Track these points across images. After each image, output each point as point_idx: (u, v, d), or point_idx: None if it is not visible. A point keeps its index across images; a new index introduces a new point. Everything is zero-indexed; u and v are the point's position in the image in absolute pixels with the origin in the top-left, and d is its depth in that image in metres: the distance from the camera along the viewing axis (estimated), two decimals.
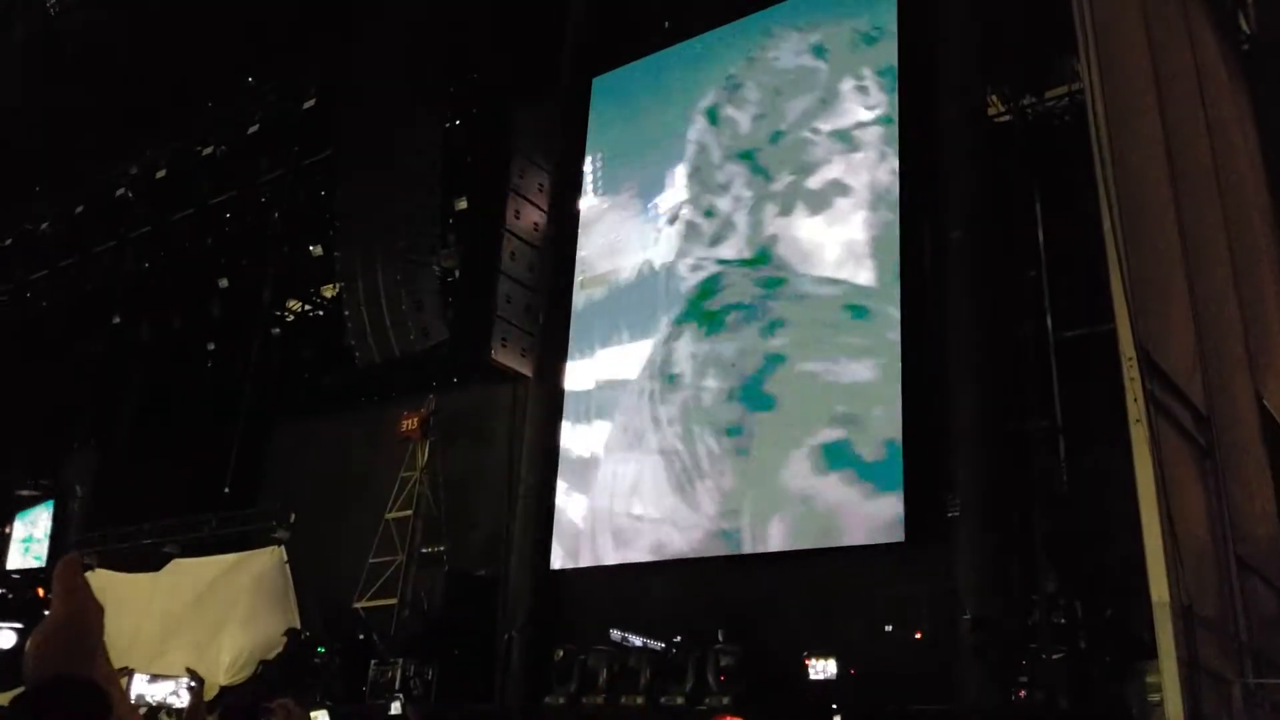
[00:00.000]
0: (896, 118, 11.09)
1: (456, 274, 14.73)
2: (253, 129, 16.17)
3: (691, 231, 11.81)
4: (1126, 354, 7.90)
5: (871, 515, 9.72)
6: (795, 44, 11.43)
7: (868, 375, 9.88)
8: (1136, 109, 8.88)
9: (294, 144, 15.73)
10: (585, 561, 11.66)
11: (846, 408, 9.92)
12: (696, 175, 11.96)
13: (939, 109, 10.89)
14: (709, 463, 10.43)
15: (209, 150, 16.68)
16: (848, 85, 11.04)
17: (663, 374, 11.02)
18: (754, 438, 10.26)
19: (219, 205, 16.79)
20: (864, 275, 10.29)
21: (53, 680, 1.32)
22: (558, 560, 12.22)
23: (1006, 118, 11.38)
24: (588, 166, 14.10)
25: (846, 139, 10.85)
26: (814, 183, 10.88)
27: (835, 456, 9.88)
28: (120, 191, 17.60)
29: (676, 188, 12.24)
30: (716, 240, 11.47)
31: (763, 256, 11.04)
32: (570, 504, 12.07)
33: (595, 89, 14.42)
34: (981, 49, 10.92)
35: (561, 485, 12.20)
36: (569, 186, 14.14)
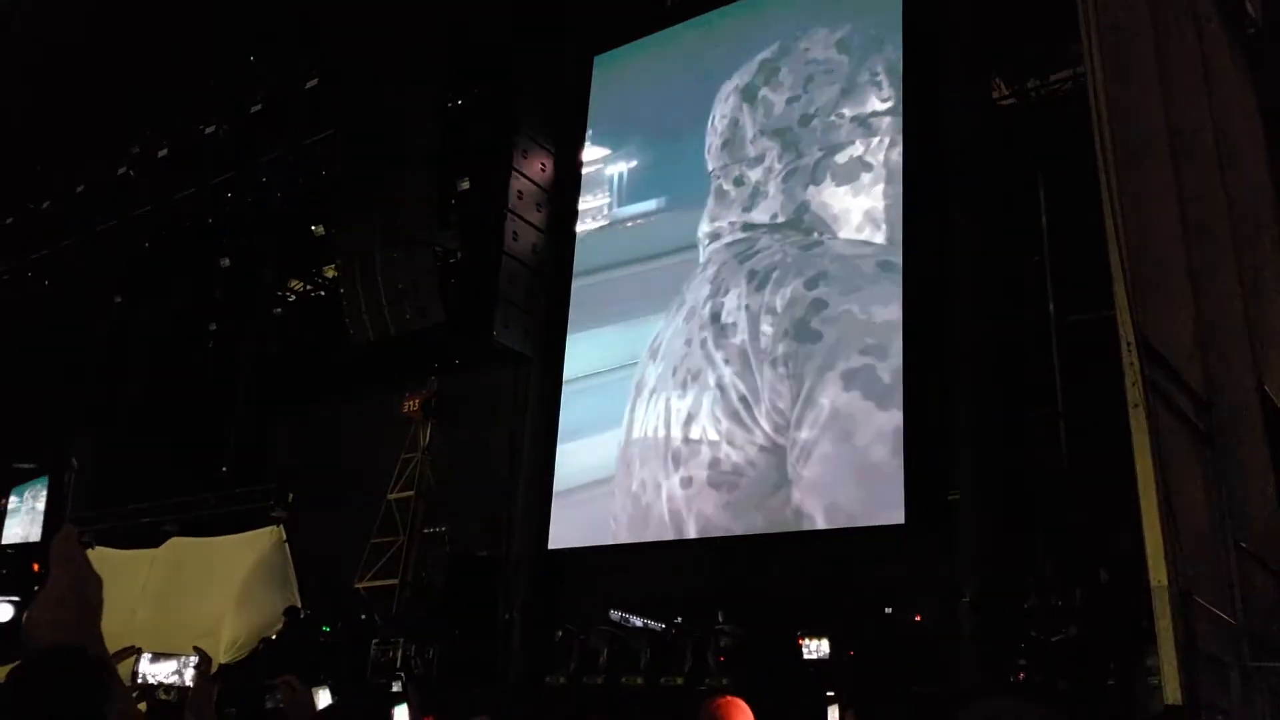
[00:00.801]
0: (901, 103, 11.21)
1: (458, 255, 14.72)
2: (255, 108, 16.14)
3: (721, 197, 12.21)
4: (1126, 339, 7.92)
5: (880, 426, 10.30)
6: (824, 39, 11.96)
7: (894, 315, 10.58)
8: (1139, 93, 8.86)
9: (296, 123, 15.68)
10: (630, 488, 11.88)
11: (874, 339, 10.59)
12: (728, 148, 12.33)
13: (943, 92, 10.90)
14: (765, 389, 10.95)
15: (211, 129, 16.64)
16: (864, 78, 11.58)
17: (714, 324, 11.59)
18: (803, 364, 10.86)
19: (220, 185, 16.74)
20: (883, 237, 11.01)
21: (52, 650, 1.32)
22: (573, 528, 12.36)
23: (1011, 101, 11.38)
24: (592, 143, 14.12)
25: (866, 124, 11.39)
26: (840, 158, 11.42)
27: (858, 377, 10.59)
28: (122, 170, 17.57)
29: (710, 155, 12.54)
30: (749, 207, 11.89)
31: (795, 221, 11.45)
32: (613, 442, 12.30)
33: (596, 66, 14.44)
34: (986, 31, 10.91)
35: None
36: (571, 166, 14.15)
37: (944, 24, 11.12)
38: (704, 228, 12.30)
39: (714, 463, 11.15)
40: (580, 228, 13.81)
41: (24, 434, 15.97)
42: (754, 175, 11.95)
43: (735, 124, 12.30)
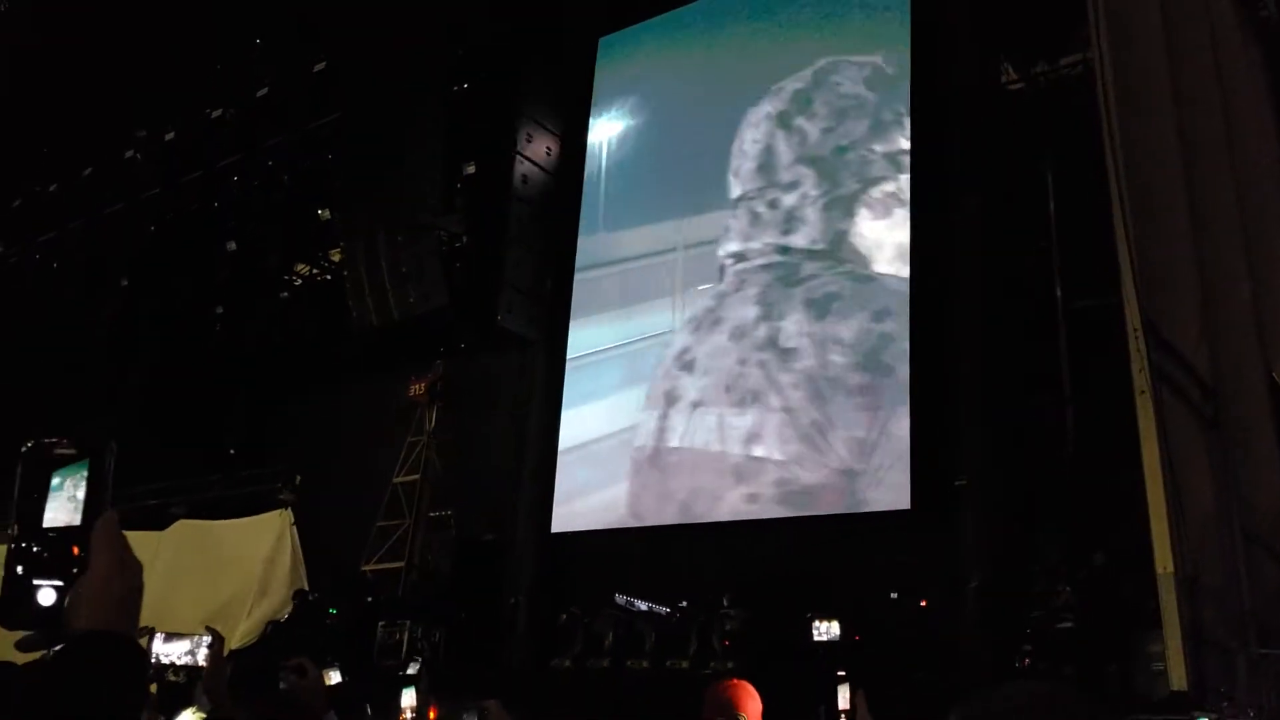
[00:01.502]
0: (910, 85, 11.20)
1: (464, 239, 14.72)
2: (261, 92, 16.11)
3: (755, 219, 12.12)
4: (1133, 326, 7.92)
5: None
6: (854, 74, 11.92)
7: None
8: (1147, 77, 8.83)
9: (303, 107, 15.66)
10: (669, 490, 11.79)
11: None
12: (762, 171, 12.23)
13: (950, 76, 10.89)
14: (839, 417, 10.84)
15: (217, 113, 16.62)
16: (889, 116, 11.54)
17: (773, 348, 11.42)
18: (880, 396, 10.70)
19: (227, 168, 16.73)
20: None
21: (95, 634, 1.34)
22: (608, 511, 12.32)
23: (1019, 85, 11.34)
24: (597, 127, 14.11)
25: (895, 161, 11.34)
26: (875, 193, 11.36)
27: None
28: (129, 154, 17.57)
29: (739, 178, 12.44)
30: (787, 230, 11.80)
31: (834, 250, 11.37)
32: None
33: (601, 49, 14.42)
34: (995, 14, 10.87)
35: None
36: (575, 152, 14.13)
37: (952, 5, 11.10)
38: (731, 247, 12.15)
39: (782, 482, 10.99)
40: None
41: (38, 417, 16.02)
42: (789, 200, 11.87)
43: (769, 150, 12.23)
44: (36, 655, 1.41)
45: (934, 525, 9.90)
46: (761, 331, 11.54)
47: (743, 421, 11.34)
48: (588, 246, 13.64)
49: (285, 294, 18.03)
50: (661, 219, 13.10)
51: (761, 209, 12.04)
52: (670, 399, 11.99)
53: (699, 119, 13.16)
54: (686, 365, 12.02)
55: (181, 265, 17.83)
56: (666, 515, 11.74)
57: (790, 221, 11.75)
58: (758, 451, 11.19)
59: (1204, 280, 8.85)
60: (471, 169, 14.21)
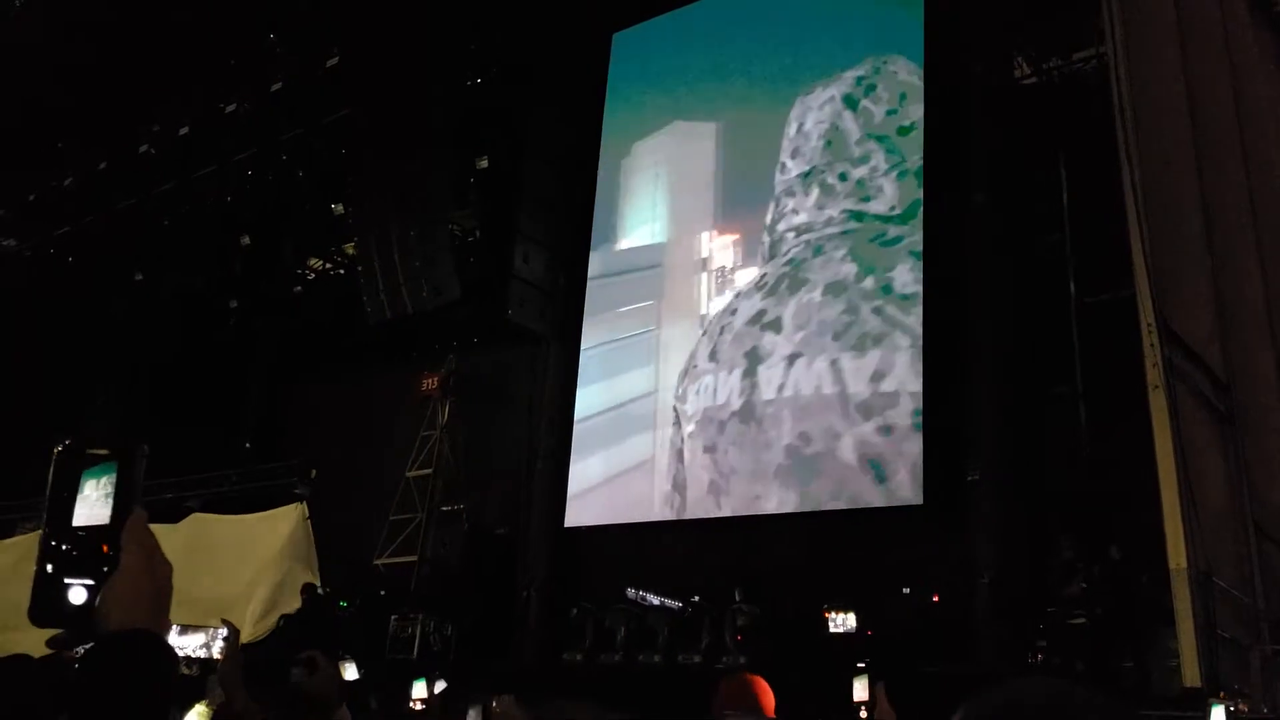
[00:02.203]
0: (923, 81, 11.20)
1: (476, 234, 14.75)
2: (275, 86, 16.13)
3: (828, 190, 12.21)
4: (1146, 321, 7.91)
5: None
6: (906, 66, 11.93)
7: None
8: (1160, 73, 8.81)
9: (316, 101, 15.69)
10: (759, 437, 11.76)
11: None
12: (831, 148, 12.33)
13: (965, 71, 10.87)
14: None
15: (231, 108, 16.64)
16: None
17: (887, 294, 11.31)
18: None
19: (241, 162, 16.77)
20: None
21: (125, 634, 1.35)
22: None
23: (1033, 80, 11.32)
24: (609, 122, 14.12)
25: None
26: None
27: None
28: (143, 148, 17.61)
29: (800, 157, 12.54)
30: (865, 198, 11.89)
31: (911, 214, 11.35)
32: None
33: (615, 44, 14.41)
34: (1009, 10, 10.86)
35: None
36: (589, 146, 14.12)
37: (965, 1, 11.08)
38: (794, 220, 12.26)
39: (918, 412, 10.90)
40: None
41: (52, 412, 16.10)
42: (859, 172, 12.02)
43: (836, 128, 12.39)
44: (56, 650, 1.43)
45: (947, 520, 9.90)
46: (869, 283, 11.50)
47: (864, 362, 11.23)
48: (602, 241, 13.66)
49: (299, 288, 18.09)
50: (684, 212, 13.19)
51: (833, 181, 12.15)
52: (756, 357, 12.01)
53: (721, 112, 13.20)
54: (771, 324, 12.04)
55: (195, 259, 17.90)
56: (690, 508, 11.79)
57: (866, 189, 11.85)
58: (888, 386, 11.02)
59: (1216, 276, 8.84)
60: (484, 163, 14.22)
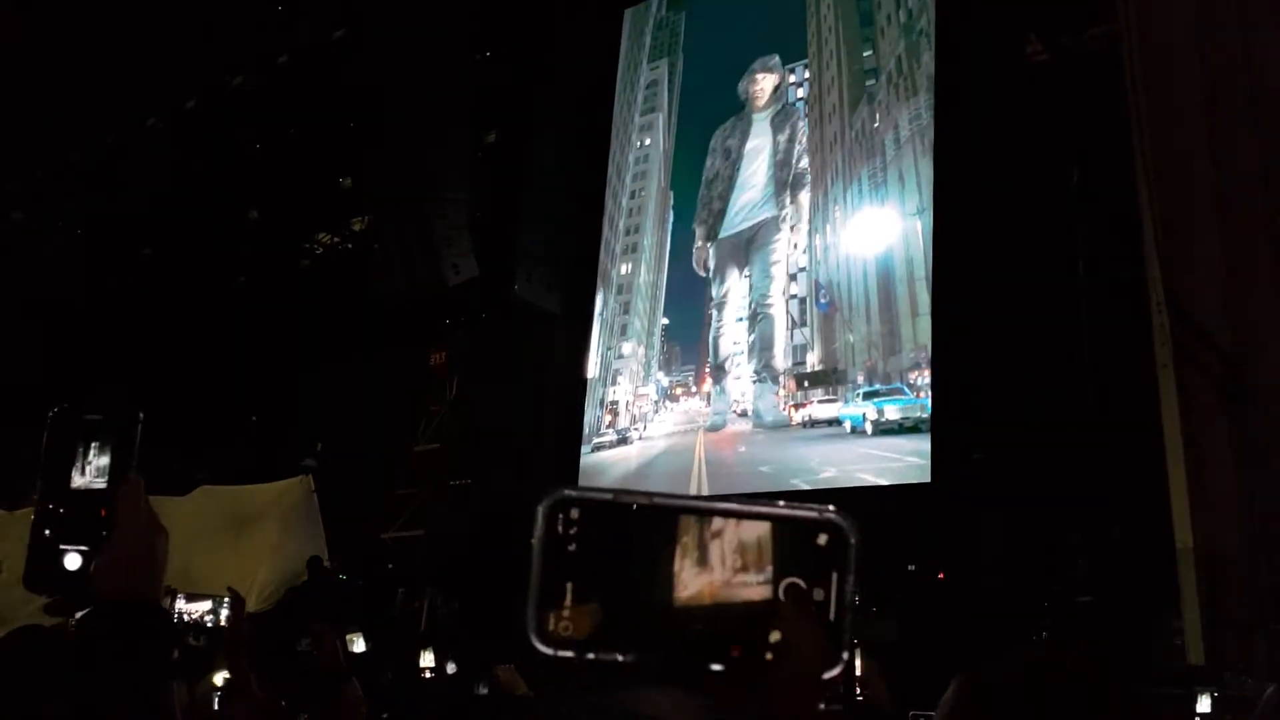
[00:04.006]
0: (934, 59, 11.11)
1: (484, 209, 14.71)
2: (282, 59, 16.07)
3: None
4: (1156, 299, 7.87)
5: None
6: None
7: None
8: (1174, 49, 8.73)
9: (324, 75, 15.63)
10: None
11: None
12: None
13: (976, 46, 10.80)
14: None
15: (239, 81, 16.59)
16: None
17: None
18: None
19: (249, 137, 16.74)
20: None
21: (121, 602, 1.35)
22: None
23: (1045, 57, 11.23)
24: (619, 97, 14.06)
25: None
26: None
27: None
28: (150, 121, 17.57)
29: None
30: None
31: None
32: None
33: (626, 19, 14.35)
34: None
35: None
36: (598, 121, 14.06)
37: None
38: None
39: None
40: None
41: (59, 385, 16.13)
42: None
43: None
44: (64, 619, 1.42)
45: (952, 498, 9.88)
46: None
47: None
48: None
49: (307, 262, 18.08)
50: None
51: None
52: None
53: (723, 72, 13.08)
54: None
55: (203, 234, 17.89)
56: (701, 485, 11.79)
57: None
58: None
59: (1228, 254, 8.77)
60: (492, 138, 14.17)
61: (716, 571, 0.92)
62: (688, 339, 13.04)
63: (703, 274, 12.86)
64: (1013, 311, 10.03)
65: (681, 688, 0.90)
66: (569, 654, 0.89)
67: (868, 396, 10.82)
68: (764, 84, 12.52)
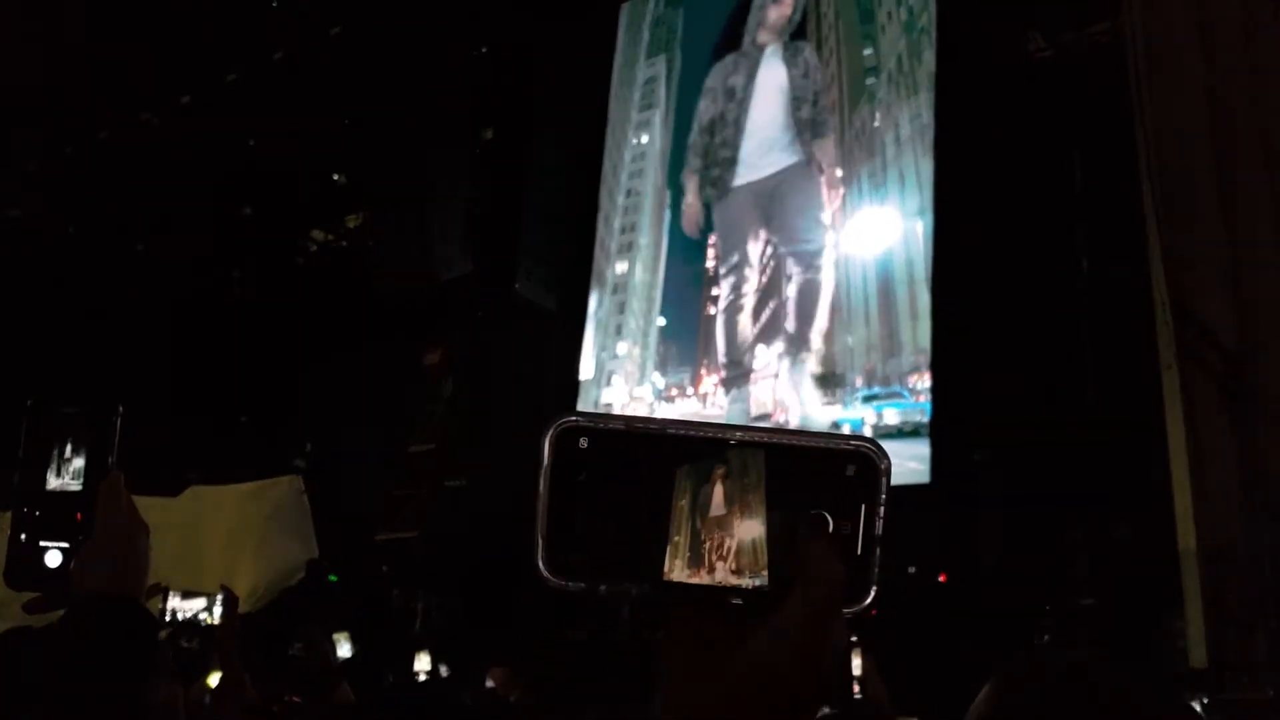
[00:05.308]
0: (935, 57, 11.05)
1: (482, 206, 14.65)
2: (277, 55, 15.99)
3: None
4: (1159, 299, 7.83)
5: None
6: None
7: None
8: (1178, 46, 8.68)
9: (319, 72, 15.56)
10: None
11: None
12: None
13: (977, 45, 10.76)
14: None
15: (233, 77, 16.51)
16: None
17: None
18: None
19: (243, 132, 16.66)
20: None
21: (102, 600, 1.28)
22: None
23: (1047, 54, 11.19)
24: (616, 92, 13.99)
25: None
26: None
27: None
28: (144, 117, 17.49)
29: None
30: None
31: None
32: None
33: (622, 14, 14.29)
34: None
35: None
36: (595, 118, 14.01)
37: None
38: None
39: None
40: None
41: (50, 380, 16.03)
42: None
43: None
44: (51, 619, 1.36)
45: (953, 499, 9.83)
46: None
47: None
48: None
49: (301, 259, 18.01)
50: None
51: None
52: None
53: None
54: None
55: (196, 230, 17.81)
56: None
57: None
58: None
59: (1233, 254, 8.73)
60: (489, 134, 14.11)
61: (736, 502, 0.87)
62: (684, 340, 12.95)
63: (695, 235, 12.37)
64: (1013, 312, 9.99)
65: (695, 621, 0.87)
66: (580, 585, 0.83)
67: (867, 400, 10.74)
68: (774, 13, 11.90)
